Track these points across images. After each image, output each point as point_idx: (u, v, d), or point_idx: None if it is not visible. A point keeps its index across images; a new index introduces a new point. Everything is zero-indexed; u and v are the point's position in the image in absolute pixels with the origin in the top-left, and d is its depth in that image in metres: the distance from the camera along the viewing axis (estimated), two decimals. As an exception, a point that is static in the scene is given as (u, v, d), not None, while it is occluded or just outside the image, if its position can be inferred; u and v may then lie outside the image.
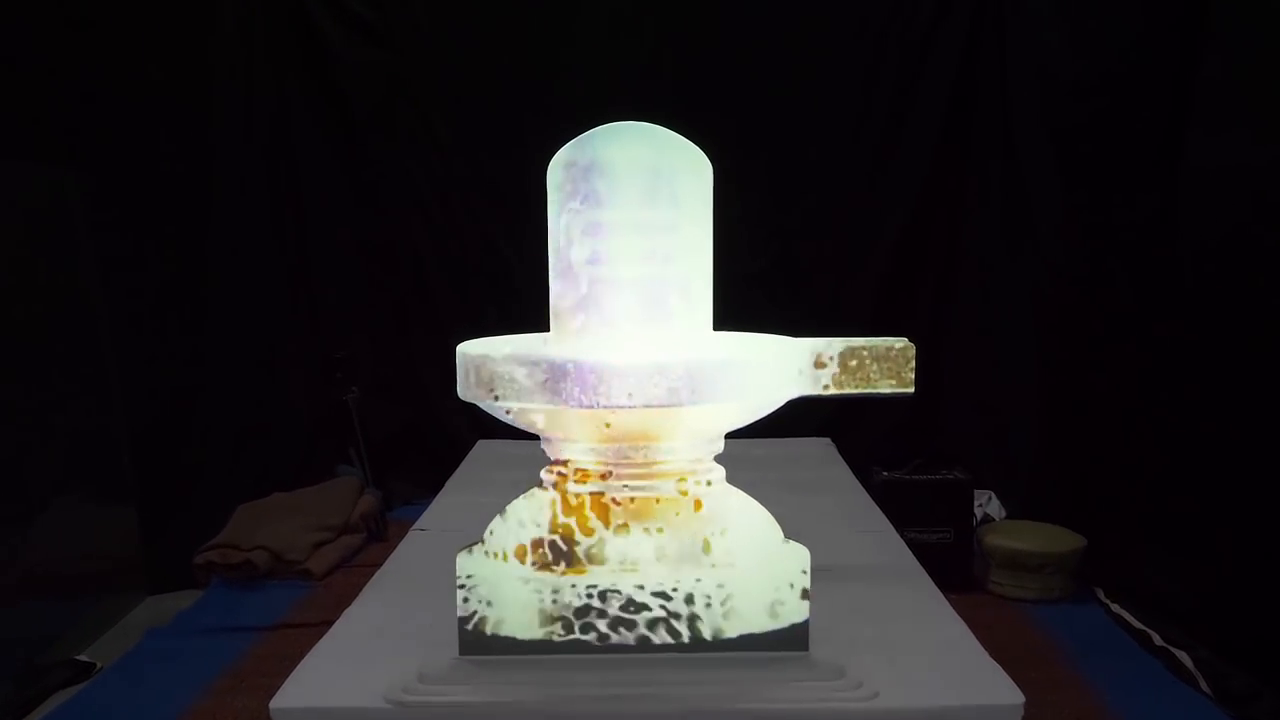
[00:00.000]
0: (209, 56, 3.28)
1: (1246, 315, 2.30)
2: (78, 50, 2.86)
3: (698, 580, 1.41)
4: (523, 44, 3.61)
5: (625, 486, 1.43)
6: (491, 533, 1.49)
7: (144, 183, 3.05)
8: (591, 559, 1.41)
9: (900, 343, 1.48)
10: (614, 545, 1.41)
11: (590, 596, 1.40)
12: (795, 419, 1.81)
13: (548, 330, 1.51)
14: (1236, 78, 2.39)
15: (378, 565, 2.10)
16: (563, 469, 1.46)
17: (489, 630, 1.43)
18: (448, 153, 3.69)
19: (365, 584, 1.94)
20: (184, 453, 3.18)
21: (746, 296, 2.04)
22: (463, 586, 1.44)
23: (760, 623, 1.43)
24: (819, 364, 1.47)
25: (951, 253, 3.63)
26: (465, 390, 1.45)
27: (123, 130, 2.97)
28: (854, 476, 2.74)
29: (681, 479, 1.44)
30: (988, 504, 3.24)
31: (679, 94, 3.42)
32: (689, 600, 1.41)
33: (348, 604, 1.80)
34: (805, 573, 1.45)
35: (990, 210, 3.43)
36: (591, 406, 1.34)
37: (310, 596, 2.81)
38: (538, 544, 1.43)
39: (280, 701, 1.41)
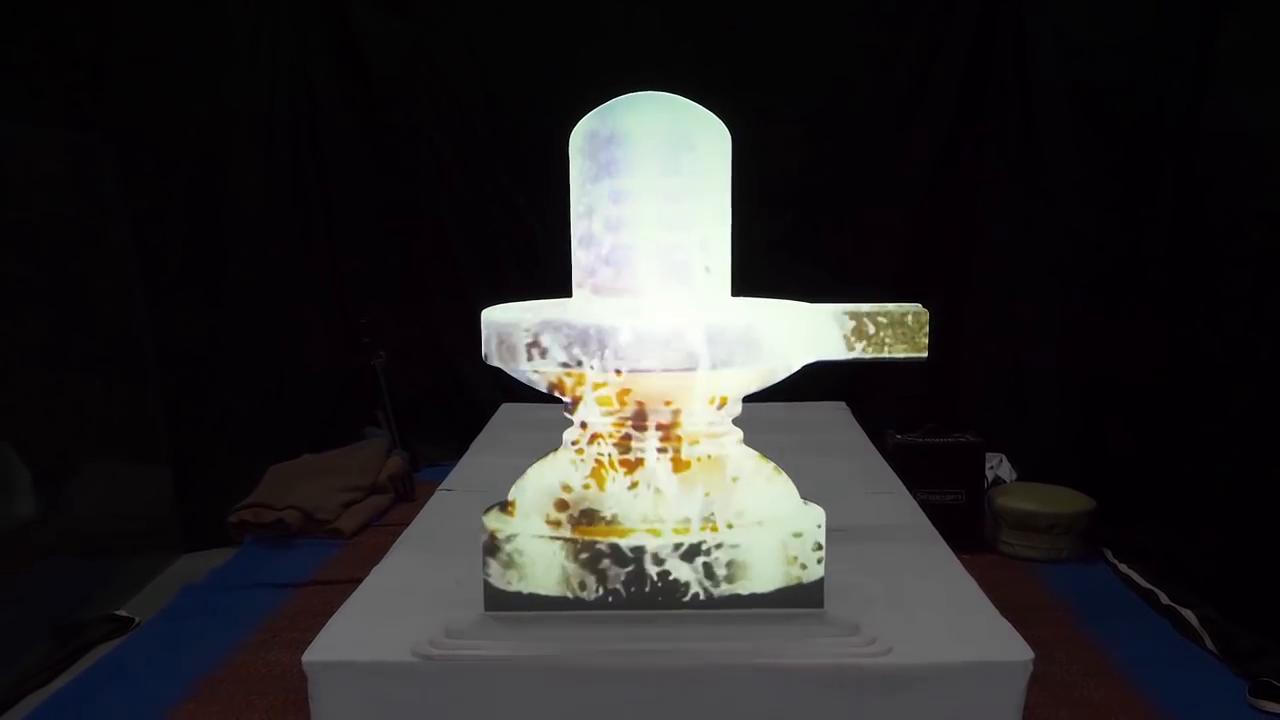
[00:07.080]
0: (232, 22, 3.30)
1: (1264, 281, 2.30)
2: (102, 17, 2.88)
3: (716, 539, 1.43)
4: (546, 9, 3.60)
5: (646, 448, 1.45)
6: (516, 493, 1.52)
7: (169, 148, 3.09)
8: (612, 519, 1.44)
9: (915, 309, 1.50)
10: (634, 505, 1.44)
11: (611, 555, 1.43)
12: (812, 383, 1.83)
13: (570, 295, 1.53)
14: (1259, 42, 2.37)
15: (405, 524, 2.13)
16: (584, 431, 1.48)
17: (513, 587, 1.46)
18: (470, 117, 3.70)
19: (393, 542, 1.96)
20: (214, 415, 3.25)
21: (765, 263, 2.05)
22: (488, 545, 1.47)
23: (777, 580, 1.46)
24: (836, 329, 1.49)
25: (970, 218, 3.63)
26: (490, 354, 1.48)
27: (148, 96, 3.00)
28: (868, 440, 2.76)
29: (700, 441, 1.46)
30: (999, 466, 3.27)
31: (701, 60, 3.42)
32: (708, 558, 1.44)
33: (376, 562, 1.83)
34: (821, 532, 1.48)
35: (1009, 175, 3.43)
36: (613, 371, 1.37)
37: (340, 554, 2.88)
38: (560, 504, 1.46)
39: (312, 655, 1.44)
